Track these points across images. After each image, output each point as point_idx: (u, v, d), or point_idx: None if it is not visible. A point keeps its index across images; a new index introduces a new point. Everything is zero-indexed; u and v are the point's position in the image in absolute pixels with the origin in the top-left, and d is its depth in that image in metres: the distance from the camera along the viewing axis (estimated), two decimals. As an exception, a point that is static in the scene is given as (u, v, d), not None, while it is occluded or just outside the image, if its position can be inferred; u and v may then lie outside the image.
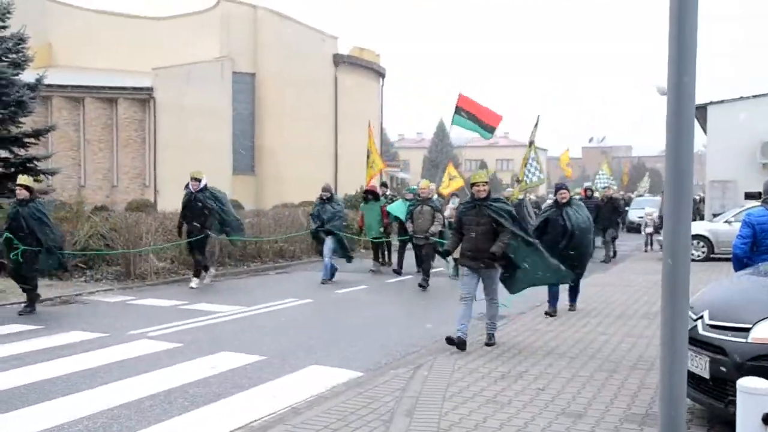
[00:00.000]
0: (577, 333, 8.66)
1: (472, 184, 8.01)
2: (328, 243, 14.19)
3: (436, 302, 11.91)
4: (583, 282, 14.05)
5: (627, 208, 33.56)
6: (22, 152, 18.68)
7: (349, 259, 15.07)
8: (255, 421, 5.43)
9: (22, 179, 10.74)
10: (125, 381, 6.54)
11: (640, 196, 39.15)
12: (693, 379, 4.96)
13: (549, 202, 20.87)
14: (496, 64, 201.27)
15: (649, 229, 22.48)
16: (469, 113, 18.35)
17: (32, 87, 18.67)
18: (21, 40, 18.61)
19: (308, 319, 10.34)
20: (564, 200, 9.75)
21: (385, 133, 54.96)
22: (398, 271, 15.13)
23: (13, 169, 18.36)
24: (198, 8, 34.62)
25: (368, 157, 19.76)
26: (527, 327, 9.08)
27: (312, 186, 24.14)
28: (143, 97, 29.96)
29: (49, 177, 19.71)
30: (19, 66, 18.52)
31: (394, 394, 5.95)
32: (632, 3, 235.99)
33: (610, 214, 19.06)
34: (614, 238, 19.66)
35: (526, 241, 8.10)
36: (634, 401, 5.75)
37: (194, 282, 13.21)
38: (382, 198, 16.51)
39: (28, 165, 18.48)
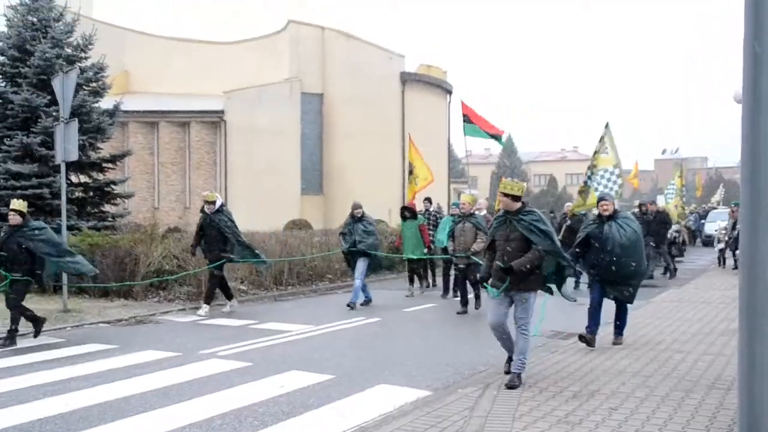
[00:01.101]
0: (651, 351, 8.40)
1: (502, 194, 7.08)
2: (360, 265, 13.38)
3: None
4: (657, 299, 13.78)
5: (702, 222, 32.63)
6: (100, 177, 19.38)
7: (378, 270, 14.89)
8: (323, 440, 5.44)
9: (15, 204, 10.06)
10: (196, 400, 6.65)
11: (714, 208, 37.90)
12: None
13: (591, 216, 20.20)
14: (565, 77, 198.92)
15: (721, 245, 20.76)
16: (471, 120, 17.76)
17: (110, 114, 19.41)
18: (100, 69, 19.40)
19: (376, 337, 10.35)
20: (606, 213, 8.70)
21: (452, 150, 54.77)
22: (444, 296, 14.66)
23: (92, 193, 19.08)
24: (267, 31, 35.36)
25: (410, 172, 18.80)
26: (598, 345, 8.85)
27: (381, 205, 24.18)
28: (215, 120, 30.70)
29: (125, 200, 20.35)
30: (98, 94, 19.30)
31: (463, 414, 5.88)
32: (705, 6, 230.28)
33: (658, 228, 18.00)
34: (670, 254, 18.89)
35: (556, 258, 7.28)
36: (712, 423, 5.54)
37: (204, 309, 12.44)
38: (420, 216, 15.35)
39: (105, 189, 19.17)
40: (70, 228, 14.74)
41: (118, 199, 19.84)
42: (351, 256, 13.65)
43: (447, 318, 12.25)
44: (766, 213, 2.86)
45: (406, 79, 35.19)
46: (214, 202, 12.55)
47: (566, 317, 10.46)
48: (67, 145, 12.67)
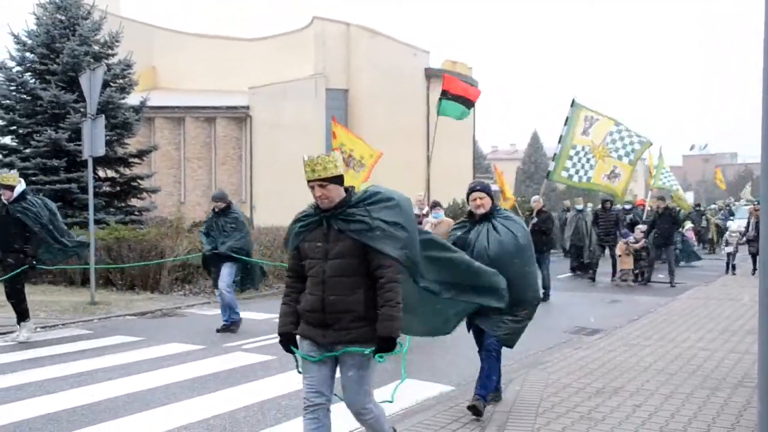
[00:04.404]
0: (676, 348, 8.33)
1: (309, 182, 4.09)
2: (224, 272, 10.11)
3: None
4: (684, 296, 13.60)
5: (732, 218, 32.10)
6: (127, 172, 19.60)
7: (256, 279, 11.12)
8: (347, 433, 5.47)
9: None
10: (220, 392, 6.70)
11: (743, 204, 36.88)
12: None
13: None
14: (591, 72, 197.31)
15: (729, 249, 18.45)
16: (455, 96, 15.36)
17: (137, 110, 19.61)
18: (127, 66, 19.62)
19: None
20: (479, 210, 5.87)
21: (477, 146, 54.60)
22: None
23: (119, 188, 19.29)
24: (293, 28, 35.52)
25: (348, 159, 15.37)
26: (623, 341, 8.80)
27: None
28: (240, 116, 30.90)
29: (152, 195, 20.54)
30: (125, 90, 19.53)
31: (486, 409, 5.86)
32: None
33: (668, 227, 16.27)
34: (677, 259, 16.62)
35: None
36: (738, 421, 5.47)
37: (20, 333, 9.44)
38: None
39: (132, 184, 19.38)
40: (97, 222, 14.94)
41: (144, 193, 20.06)
42: (213, 261, 10.36)
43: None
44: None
45: (431, 75, 35.08)
46: (12, 187, 9.26)
47: (592, 312, 10.39)
48: (94, 140, 12.82)
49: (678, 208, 19.39)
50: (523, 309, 5.76)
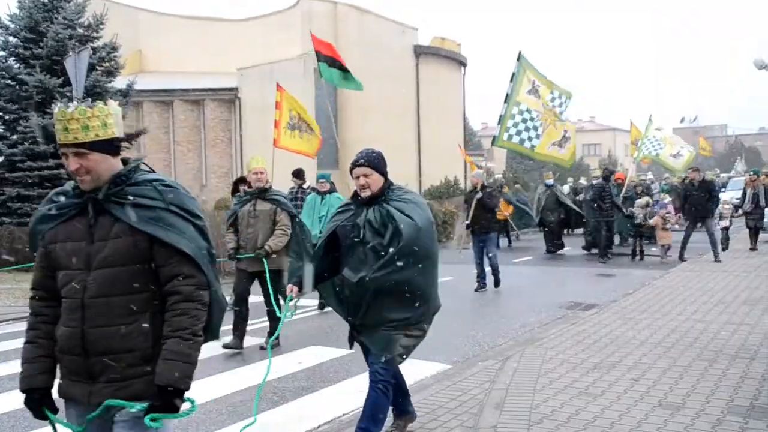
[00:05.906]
0: (672, 321, 8.33)
1: (60, 147, 2.70)
2: None
3: (524, 293, 11.73)
4: (678, 268, 13.63)
5: (723, 190, 32.13)
6: (116, 156, 19.44)
7: None
8: (343, 415, 5.45)
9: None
10: (216, 377, 6.68)
11: (717, 176, 36.33)
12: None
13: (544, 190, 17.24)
14: (581, 47, 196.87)
15: (725, 222, 17.14)
16: (331, 59, 13.81)
17: (124, 93, 19.39)
18: (113, 49, 19.37)
19: (395, 311, 10.32)
20: (364, 192, 4.37)
21: (468, 123, 54.44)
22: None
23: (108, 173, 19.16)
24: (279, 7, 35.20)
25: (295, 126, 14.18)
26: (619, 315, 8.80)
27: (397, 179, 24.09)
28: (229, 98, 30.66)
29: (142, 179, 20.42)
30: (111, 74, 19.30)
31: (483, 387, 5.85)
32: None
33: (704, 201, 15.04)
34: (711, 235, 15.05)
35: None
36: (736, 392, 5.47)
37: None
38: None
39: (121, 169, 19.23)
40: (87, 208, 14.78)
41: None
42: None
43: (466, 291, 12.20)
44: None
45: (420, 52, 34.88)
46: None
47: (586, 287, 10.39)
48: (82, 125, 12.64)
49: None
50: (424, 323, 4.60)
